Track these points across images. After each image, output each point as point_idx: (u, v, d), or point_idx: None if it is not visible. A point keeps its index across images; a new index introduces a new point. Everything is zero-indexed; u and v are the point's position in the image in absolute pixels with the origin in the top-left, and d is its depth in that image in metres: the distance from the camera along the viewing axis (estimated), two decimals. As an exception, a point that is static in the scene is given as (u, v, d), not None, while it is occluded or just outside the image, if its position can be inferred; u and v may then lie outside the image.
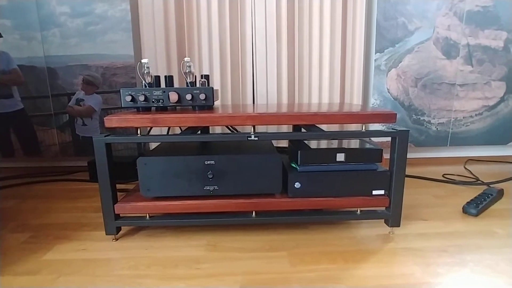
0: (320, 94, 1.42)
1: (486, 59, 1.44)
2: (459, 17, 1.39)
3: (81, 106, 1.40)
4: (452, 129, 1.51)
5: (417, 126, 1.49)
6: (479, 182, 1.23)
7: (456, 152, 1.59)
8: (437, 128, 1.50)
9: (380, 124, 1.42)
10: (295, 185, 0.79)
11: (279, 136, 0.80)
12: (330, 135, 0.77)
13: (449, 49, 1.42)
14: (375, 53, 1.41)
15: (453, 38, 1.41)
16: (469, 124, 1.51)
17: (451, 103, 1.48)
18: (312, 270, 0.68)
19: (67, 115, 1.41)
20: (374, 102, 1.46)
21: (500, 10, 1.39)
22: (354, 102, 1.43)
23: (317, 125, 0.89)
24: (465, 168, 1.44)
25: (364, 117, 0.75)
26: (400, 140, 0.76)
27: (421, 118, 1.49)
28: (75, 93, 1.38)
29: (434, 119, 1.49)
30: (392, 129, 0.77)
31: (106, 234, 0.80)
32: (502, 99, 1.49)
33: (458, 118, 1.50)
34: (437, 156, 1.59)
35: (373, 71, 1.43)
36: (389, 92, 1.45)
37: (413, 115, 1.48)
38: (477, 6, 1.39)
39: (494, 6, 1.39)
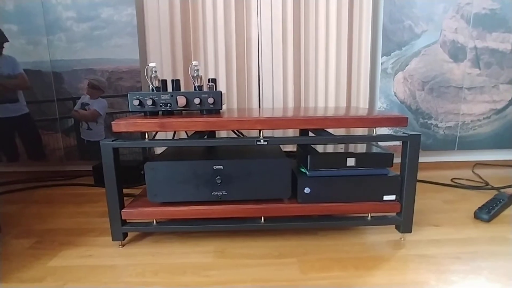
0: (326, 97, 1.41)
1: (494, 62, 1.43)
2: (466, 20, 1.38)
3: (86, 110, 1.39)
4: (459, 132, 1.49)
5: (424, 130, 1.48)
6: (488, 186, 1.21)
7: (463, 156, 1.57)
8: (444, 132, 1.49)
9: (387, 128, 1.40)
10: (304, 190, 0.78)
11: (289, 140, 0.79)
12: (341, 139, 0.76)
13: (456, 52, 1.41)
14: (382, 56, 1.40)
15: (460, 41, 1.40)
16: (476, 127, 1.49)
17: (459, 107, 1.46)
18: (324, 277, 0.67)
19: (72, 119, 1.40)
20: (380, 105, 1.44)
21: (508, 13, 1.38)
22: (361, 105, 1.42)
23: (325, 129, 0.88)
24: (474, 173, 1.42)
25: (376, 121, 0.73)
26: (412, 144, 0.75)
27: (428, 122, 1.47)
28: (80, 97, 1.38)
29: (441, 122, 1.48)
30: (403, 133, 0.76)
31: (113, 240, 0.78)
32: (510, 103, 1.47)
33: (465, 122, 1.48)
34: (444, 160, 1.57)
35: (380, 74, 1.42)
36: (396, 95, 1.44)
37: (420, 119, 1.47)
38: (484, 9, 1.38)
39: (501, 9, 1.38)
